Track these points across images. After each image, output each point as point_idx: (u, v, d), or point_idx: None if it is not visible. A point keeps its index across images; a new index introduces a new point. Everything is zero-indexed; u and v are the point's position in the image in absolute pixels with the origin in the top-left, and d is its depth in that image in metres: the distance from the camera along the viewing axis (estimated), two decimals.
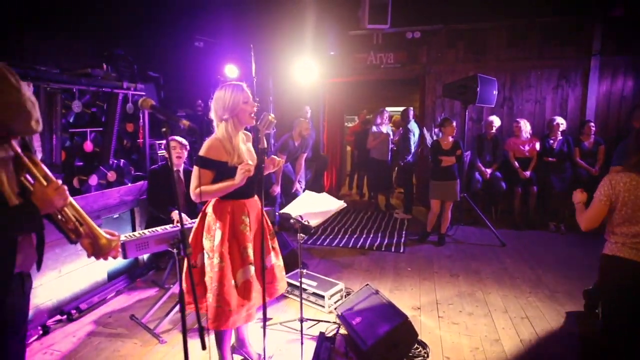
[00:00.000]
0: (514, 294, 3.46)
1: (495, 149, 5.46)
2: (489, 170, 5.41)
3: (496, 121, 5.42)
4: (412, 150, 5.87)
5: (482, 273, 3.96)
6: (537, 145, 5.32)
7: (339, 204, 2.50)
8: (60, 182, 1.39)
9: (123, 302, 3.34)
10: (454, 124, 4.66)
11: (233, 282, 2.02)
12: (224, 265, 1.99)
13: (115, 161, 3.77)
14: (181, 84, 5.79)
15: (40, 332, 2.80)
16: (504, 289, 3.58)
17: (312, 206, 2.53)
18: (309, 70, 5.75)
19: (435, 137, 5.88)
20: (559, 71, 5.80)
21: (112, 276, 3.63)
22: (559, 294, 3.43)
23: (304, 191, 5.41)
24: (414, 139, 5.87)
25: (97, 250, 1.49)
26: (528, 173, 5.27)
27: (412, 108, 6.18)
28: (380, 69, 6.42)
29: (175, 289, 3.20)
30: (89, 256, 1.52)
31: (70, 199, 1.43)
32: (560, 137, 5.23)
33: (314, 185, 6.02)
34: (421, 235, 4.99)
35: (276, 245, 2.32)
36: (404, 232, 5.33)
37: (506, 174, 5.44)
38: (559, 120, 5.23)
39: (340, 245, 4.87)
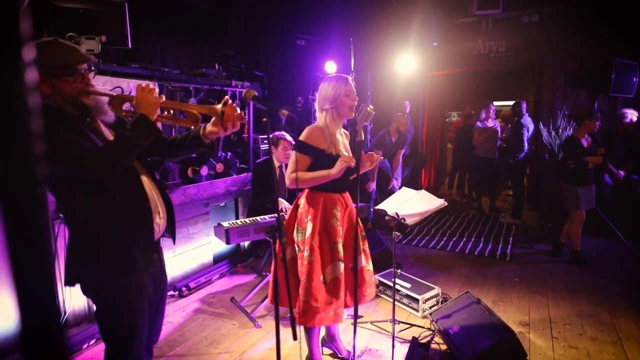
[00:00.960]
0: None
1: (630, 147, 4.60)
2: (622, 172, 4.59)
3: (633, 115, 4.56)
4: (526, 147, 5.26)
5: (609, 292, 3.37)
6: None
7: (439, 203, 2.33)
8: (144, 83, 1.51)
9: (225, 285, 3.60)
10: (599, 117, 3.92)
11: (322, 277, 1.99)
12: (313, 260, 1.97)
13: (223, 154, 4.07)
14: (283, 82, 6.04)
15: None
16: None
17: (410, 203, 2.40)
18: (409, 63, 5.54)
19: (551, 133, 5.17)
20: None
21: (217, 260, 3.93)
22: None
23: (400, 188, 5.27)
24: (527, 135, 5.26)
25: (217, 119, 1.54)
26: None
27: (524, 101, 5.55)
28: (490, 59, 5.88)
29: (270, 277, 3.33)
30: (222, 132, 1.58)
31: (163, 97, 1.52)
32: None
33: (411, 183, 5.79)
34: (575, 258, 4.06)
35: (367, 247, 2.22)
36: (510, 239, 4.83)
37: None
38: None
39: (438, 247, 4.59)
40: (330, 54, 5.37)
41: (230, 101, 1.52)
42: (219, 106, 1.52)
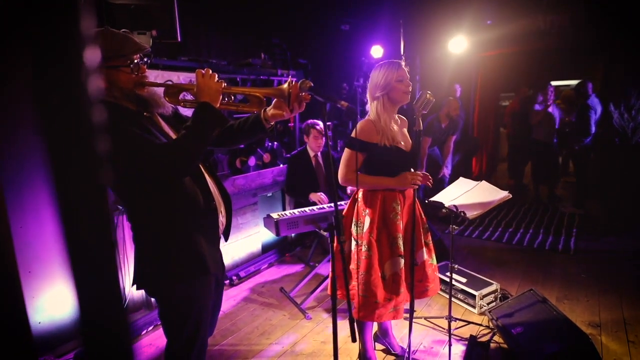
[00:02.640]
0: None
1: None
2: None
3: None
4: (593, 131, 4.82)
5: None
6: None
7: (502, 195, 2.15)
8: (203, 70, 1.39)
9: (274, 274, 3.62)
10: None
11: (380, 273, 1.92)
12: (371, 254, 1.90)
13: (270, 144, 4.06)
14: (327, 69, 5.92)
15: None
16: None
17: (469, 195, 2.24)
18: (460, 44, 5.22)
19: (624, 115, 4.68)
20: None
21: (265, 249, 3.97)
22: None
23: (449, 176, 5.04)
24: (595, 117, 4.81)
25: (284, 101, 1.45)
26: None
27: (589, 81, 5.06)
28: (551, 35, 5.40)
29: (319, 268, 3.31)
30: (287, 114, 1.49)
31: (224, 83, 1.42)
32: None
33: (461, 170, 5.52)
34: None
35: (430, 240, 2.11)
36: (574, 230, 4.47)
37: None
38: None
39: (492, 239, 4.35)
40: (376, 38, 5.18)
41: (294, 81, 1.43)
42: (285, 86, 1.41)
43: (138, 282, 1.45)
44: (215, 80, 1.38)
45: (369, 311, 1.90)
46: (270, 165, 4.00)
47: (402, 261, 1.90)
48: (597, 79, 6.01)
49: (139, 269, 1.44)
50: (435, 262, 2.11)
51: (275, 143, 4.11)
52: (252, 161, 3.81)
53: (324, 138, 3.64)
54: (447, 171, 4.85)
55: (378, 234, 1.92)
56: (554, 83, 6.65)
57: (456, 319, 2.60)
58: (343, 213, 2.08)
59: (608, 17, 5.00)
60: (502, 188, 2.30)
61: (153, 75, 2.93)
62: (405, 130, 2.09)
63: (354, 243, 1.98)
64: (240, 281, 3.46)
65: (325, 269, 3.39)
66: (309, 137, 3.59)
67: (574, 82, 8.90)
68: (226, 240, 1.69)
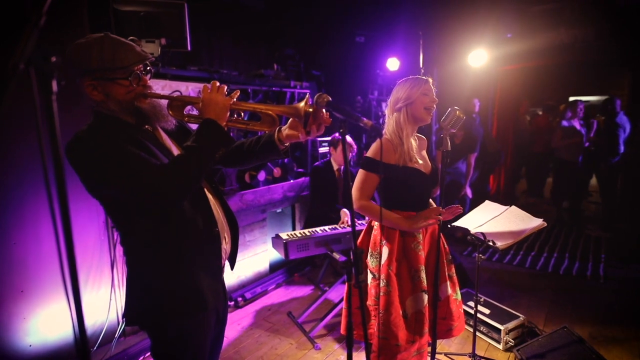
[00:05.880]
0: None
1: None
2: None
3: None
4: (622, 150, 4.56)
5: None
6: None
7: (536, 223, 1.94)
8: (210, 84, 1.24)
9: (281, 296, 3.42)
10: None
11: (402, 311, 1.70)
12: (391, 290, 1.68)
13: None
14: (341, 81, 5.77)
15: None
16: None
17: (498, 222, 2.03)
18: (479, 58, 5.03)
19: None
20: None
21: (273, 268, 3.77)
22: None
23: (471, 194, 4.80)
24: (623, 136, 4.55)
25: (299, 121, 1.29)
26: None
27: (618, 98, 4.81)
28: (574, 49, 5.18)
29: (329, 293, 3.10)
30: (302, 137, 1.34)
31: (235, 97, 1.26)
32: None
33: (479, 187, 5.29)
34: None
35: (454, 274, 1.89)
36: (602, 255, 4.19)
37: None
38: None
39: (514, 263, 4.09)
40: (392, 51, 5.02)
41: (300, 107, 1.26)
42: (302, 104, 1.24)
43: (128, 316, 1.30)
44: (224, 95, 1.23)
45: (390, 356, 1.68)
46: (281, 180, 3.83)
47: (426, 297, 1.69)
48: (623, 95, 5.76)
49: (129, 301, 1.30)
50: (459, 297, 1.89)
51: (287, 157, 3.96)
52: (261, 176, 3.65)
53: (350, 152, 3.49)
54: (469, 190, 4.63)
55: (398, 267, 1.71)
56: (573, 98, 6.41)
57: (480, 357, 2.37)
58: (357, 243, 1.88)
59: (633, 29, 4.77)
60: (523, 207, 2.10)
61: (160, 85, 2.80)
62: (424, 152, 1.90)
63: (370, 276, 1.76)
64: (246, 303, 3.26)
65: (336, 293, 3.18)
66: (336, 149, 3.45)
67: (594, 98, 8.64)
68: (232, 268, 1.53)
